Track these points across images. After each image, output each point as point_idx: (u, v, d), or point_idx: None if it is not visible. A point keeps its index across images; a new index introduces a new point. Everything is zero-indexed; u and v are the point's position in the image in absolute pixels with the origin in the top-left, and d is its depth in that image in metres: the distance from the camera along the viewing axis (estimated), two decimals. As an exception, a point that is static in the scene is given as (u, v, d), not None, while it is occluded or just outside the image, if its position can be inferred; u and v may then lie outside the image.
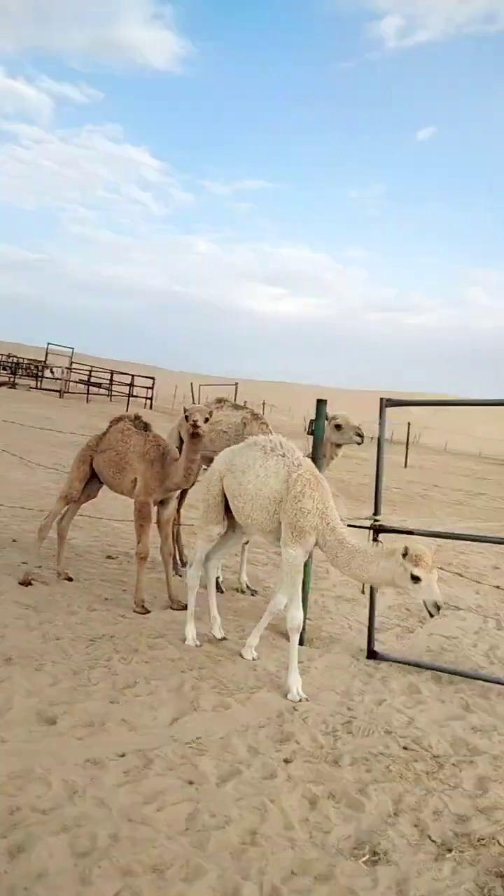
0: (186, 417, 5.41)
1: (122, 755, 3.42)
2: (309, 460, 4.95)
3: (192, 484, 5.89)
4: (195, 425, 5.34)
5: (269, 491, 4.75)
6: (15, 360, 37.36)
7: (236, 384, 30.64)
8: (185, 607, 5.41)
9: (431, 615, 4.18)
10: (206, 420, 5.44)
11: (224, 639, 5.21)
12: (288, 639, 4.65)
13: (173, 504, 6.05)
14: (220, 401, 7.23)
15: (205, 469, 5.98)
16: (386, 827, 3.10)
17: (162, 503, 5.98)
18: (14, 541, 7.23)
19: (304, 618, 5.48)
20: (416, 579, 4.09)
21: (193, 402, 8.32)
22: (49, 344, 36.02)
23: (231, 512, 5.13)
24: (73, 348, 36.30)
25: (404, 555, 4.14)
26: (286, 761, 3.56)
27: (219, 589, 6.52)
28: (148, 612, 5.55)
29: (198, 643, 5.05)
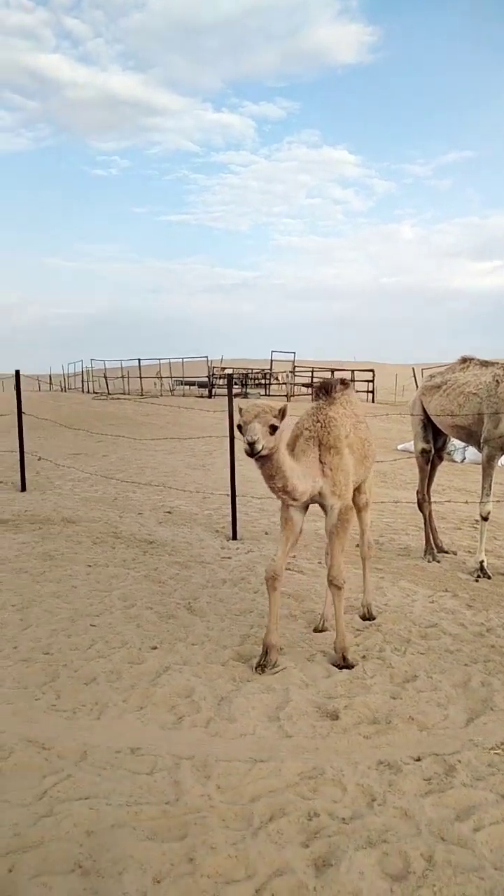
0: (239, 428, 3.50)
1: (418, 759, 2.94)
2: None
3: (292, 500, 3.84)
4: (251, 450, 3.39)
5: None
6: (244, 372, 39.11)
7: (460, 366, 28.64)
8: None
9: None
10: (274, 430, 3.44)
11: None
12: None
13: (333, 516, 4.00)
14: (464, 360, 6.43)
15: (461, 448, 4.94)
16: None
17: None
18: (266, 533, 7.16)
19: None
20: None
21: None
22: (273, 352, 37.09)
23: None
24: (294, 353, 36.97)
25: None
26: None
27: (485, 574, 5.76)
28: (351, 665, 3.89)
29: None
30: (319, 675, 3.77)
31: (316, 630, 4.45)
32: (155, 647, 4.15)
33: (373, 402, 30.74)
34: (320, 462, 3.91)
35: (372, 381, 32.68)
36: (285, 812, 2.56)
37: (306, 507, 4.06)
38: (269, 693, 3.55)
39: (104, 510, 8.32)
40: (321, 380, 4.40)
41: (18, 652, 4.08)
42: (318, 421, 4.03)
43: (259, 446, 3.38)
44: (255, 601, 4.99)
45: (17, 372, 10.38)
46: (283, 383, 35.42)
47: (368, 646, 4.18)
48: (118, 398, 30.47)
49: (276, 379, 38.04)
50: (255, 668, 3.81)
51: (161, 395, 32.51)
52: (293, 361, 36.80)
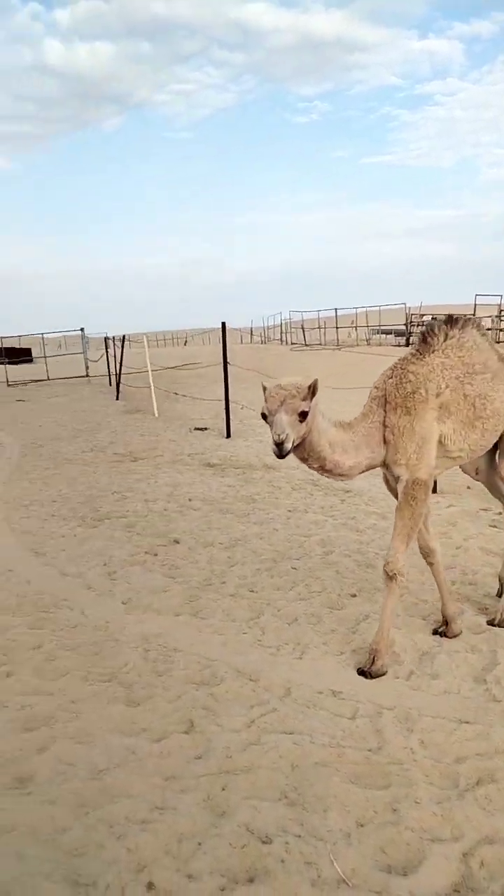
0: (264, 417, 2.92)
1: None
2: None
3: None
4: (279, 451, 2.81)
5: None
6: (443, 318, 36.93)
7: None
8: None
9: None
10: (304, 416, 2.84)
11: None
12: None
13: (399, 489, 3.30)
14: None
15: None
16: None
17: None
18: (468, 487, 6.75)
19: None
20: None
21: None
22: (477, 295, 34.49)
23: None
24: (501, 296, 33.99)
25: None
26: None
27: None
28: (372, 675, 3.15)
29: None
30: (533, 641, 3.48)
31: None
32: (354, 595, 4.13)
33: None
34: (384, 425, 3.24)
35: None
36: (494, 779, 2.40)
37: None
38: (474, 653, 3.36)
39: (303, 458, 8.44)
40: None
41: (226, 587, 4.31)
42: (392, 376, 3.32)
43: (288, 445, 2.80)
44: (456, 557, 4.73)
45: (223, 324, 10.77)
46: (489, 329, 32.88)
47: None
48: (315, 349, 30.60)
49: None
50: (439, 633, 3.57)
51: (357, 345, 32.00)
52: (500, 305, 33.90)
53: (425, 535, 3.55)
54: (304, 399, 2.84)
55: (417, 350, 3.39)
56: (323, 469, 3.14)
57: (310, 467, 3.13)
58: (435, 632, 3.59)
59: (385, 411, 3.25)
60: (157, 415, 13.06)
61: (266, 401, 2.88)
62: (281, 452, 2.81)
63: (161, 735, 2.70)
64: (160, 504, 6.44)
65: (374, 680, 3.11)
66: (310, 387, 2.86)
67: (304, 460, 3.08)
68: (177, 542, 5.28)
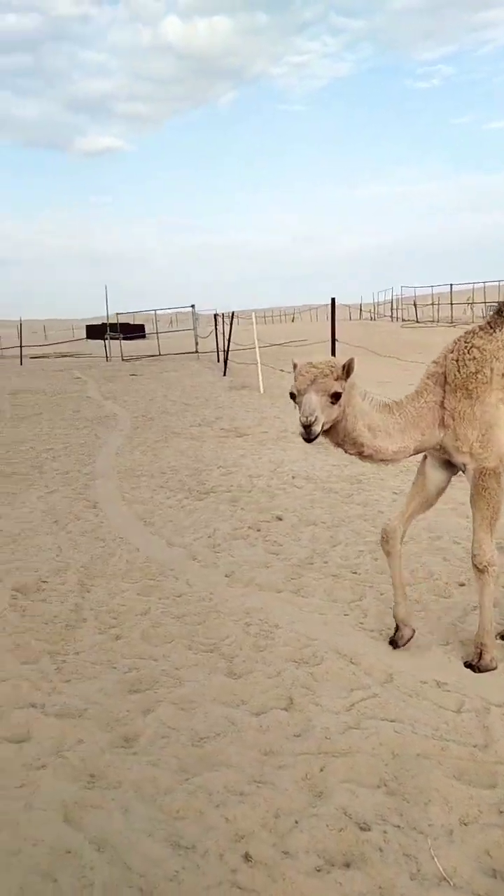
0: (293, 397, 2.70)
1: None
2: None
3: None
4: (307, 434, 2.59)
5: None
6: None
7: None
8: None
9: None
10: (337, 397, 2.63)
11: None
12: None
13: (469, 480, 3.09)
14: None
15: None
16: None
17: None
18: None
19: None
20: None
21: None
22: None
23: None
24: None
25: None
26: None
27: None
28: (483, 669, 3.00)
29: None
30: None
31: None
32: (462, 584, 3.96)
33: None
34: (441, 407, 2.98)
35: None
36: None
37: (449, 463, 3.14)
38: None
39: (411, 439, 8.18)
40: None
41: (328, 567, 4.27)
42: (453, 351, 3.01)
43: (317, 428, 2.56)
44: None
45: (333, 300, 10.59)
46: None
47: None
48: (427, 326, 29.50)
49: None
50: (389, 642, 3.25)
51: (473, 322, 30.58)
52: None
53: (396, 521, 3.23)
54: (337, 379, 2.63)
55: (488, 323, 3.06)
56: (361, 455, 2.93)
57: (346, 452, 2.93)
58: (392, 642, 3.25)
59: (444, 391, 2.99)
60: (262, 391, 13.11)
61: (295, 379, 2.67)
62: (308, 436, 2.60)
63: (260, 709, 2.73)
64: (264, 480, 6.48)
65: (484, 674, 2.98)
66: (345, 366, 2.66)
67: (339, 445, 2.88)
68: (280, 518, 5.30)
